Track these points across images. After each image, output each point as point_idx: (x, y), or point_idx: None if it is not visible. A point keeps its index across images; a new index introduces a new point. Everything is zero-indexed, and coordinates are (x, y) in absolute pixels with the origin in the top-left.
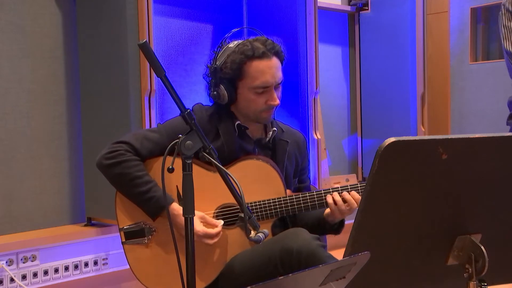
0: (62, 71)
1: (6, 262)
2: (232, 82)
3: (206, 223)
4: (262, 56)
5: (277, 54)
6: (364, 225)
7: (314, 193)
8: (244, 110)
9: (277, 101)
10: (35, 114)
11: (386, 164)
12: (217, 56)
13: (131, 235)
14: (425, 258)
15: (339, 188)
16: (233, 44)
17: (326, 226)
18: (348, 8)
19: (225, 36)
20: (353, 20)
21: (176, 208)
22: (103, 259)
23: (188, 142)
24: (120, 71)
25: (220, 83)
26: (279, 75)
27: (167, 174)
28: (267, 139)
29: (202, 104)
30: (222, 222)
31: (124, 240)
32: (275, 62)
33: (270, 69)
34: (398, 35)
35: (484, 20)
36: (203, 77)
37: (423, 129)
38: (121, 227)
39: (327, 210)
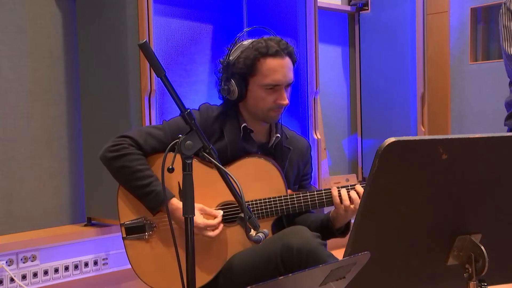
0: (62, 71)
1: (6, 262)
2: (243, 78)
3: (206, 214)
4: (275, 54)
5: (290, 54)
6: (364, 225)
7: (315, 192)
8: (252, 108)
9: (286, 101)
10: (35, 114)
11: (386, 164)
12: (230, 52)
13: (132, 231)
14: (425, 258)
15: (339, 188)
16: (247, 42)
17: (332, 229)
18: (348, 8)
19: (238, 35)
20: (353, 20)
21: (175, 202)
22: (103, 259)
23: (188, 142)
24: (120, 71)
25: (231, 78)
26: (290, 75)
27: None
28: (270, 144)
29: (210, 104)
30: (221, 212)
31: (124, 235)
32: (287, 62)
33: (282, 68)
34: (398, 35)
35: (484, 20)
36: (214, 73)
37: (423, 129)
38: (122, 222)
39: (333, 211)
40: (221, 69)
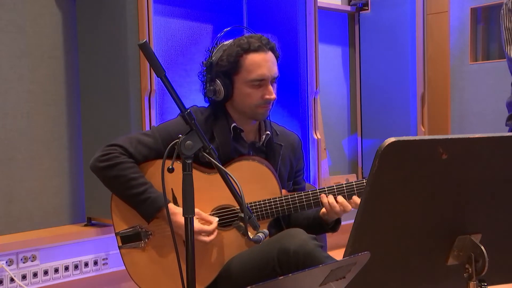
0: (62, 71)
1: (6, 262)
2: (228, 76)
3: (201, 219)
4: (258, 49)
5: (272, 49)
6: (364, 225)
7: (310, 192)
8: (240, 106)
9: (273, 95)
10: (35, 114)
11: (386, 164)
12: (212, 53)
13: (128, 239)
14: (425, 258)
15: (334, 187)
16: (228, 41)
17: (322, 225)
18: (348, 8)
19: (218, 36)
20: (353, 20)
21: (172, 207)
22: (103, 259)
23: (188, 142)
24: (120, 71)
25: (216, 78)
26: (275, 69)
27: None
28: (261, 142)
29: (197, 106)
30: (217, 219)
31: (120, 244)
32: (270, 56)
33: (266, 62)
34: (398, 35)
35: (484, 20)
36: (198, 76)
37: (423, 129)
38: (117, 231)
39: (323, 210)
40: (204, 72)
